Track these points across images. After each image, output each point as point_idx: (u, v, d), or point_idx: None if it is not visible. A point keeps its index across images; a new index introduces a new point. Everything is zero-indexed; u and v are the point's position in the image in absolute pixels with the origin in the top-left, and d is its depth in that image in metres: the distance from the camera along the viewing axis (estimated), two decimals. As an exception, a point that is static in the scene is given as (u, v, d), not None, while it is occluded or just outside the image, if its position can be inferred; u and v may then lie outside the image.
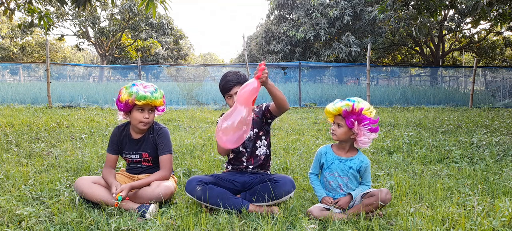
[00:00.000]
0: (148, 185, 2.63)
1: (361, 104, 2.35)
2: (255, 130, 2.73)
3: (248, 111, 2.27)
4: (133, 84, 2.67)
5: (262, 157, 2.74)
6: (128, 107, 2.67)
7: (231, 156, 2.77)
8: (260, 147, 2.74)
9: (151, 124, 2.78)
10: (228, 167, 2.84)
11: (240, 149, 2.72)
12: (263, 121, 2.74)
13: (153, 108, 2.72)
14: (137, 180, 2.81)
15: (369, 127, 2.36)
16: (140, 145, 2.79)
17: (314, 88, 14.14)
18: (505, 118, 8.43)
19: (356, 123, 2.35)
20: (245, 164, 2.74)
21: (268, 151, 2.78)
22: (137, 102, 2.61)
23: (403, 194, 2.88)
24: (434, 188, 3.02)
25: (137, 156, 2.79)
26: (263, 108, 2.73)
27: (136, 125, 2.71)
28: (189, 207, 2.52)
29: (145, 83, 2.72)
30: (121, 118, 2.79)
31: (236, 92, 2.56)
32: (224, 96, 2.75)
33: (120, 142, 2.82)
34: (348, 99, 2.39)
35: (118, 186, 2.51)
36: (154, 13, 4.80)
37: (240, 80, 2.65)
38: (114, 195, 2.43)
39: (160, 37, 32.89)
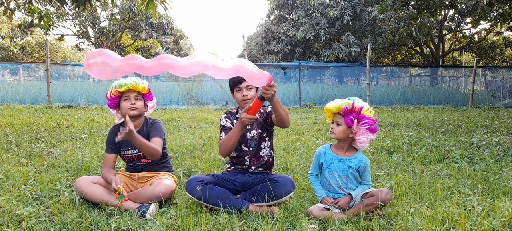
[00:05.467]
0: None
1: (361, 103, 2.39)
2: (259, 130, 2.73)
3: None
4: (115, 80, 2.73)
5: (266, 158, 2.75)
6: (116, 101, 2.78)
7: (233, 154, 2.76)
8: (264, 148, 2.75)
9: (141, 112, 2.80)
10: (230, 167, 2.82)
11: (243, 148, 2.72)
12: (267, 122, 2.75)
13: (138, 95, 2.77)
14: (137, 179, 2.83)
15: (368, 126, 2.38)
16: None
17: (314, 88, 14.13)
18: (505, 118, 8.43)
19: (355, 121, 2.37)
20: (247, 163, 2.73)
21: (271, 151, 2.79)
22: (119, 90, 2.70)
23: (403, 194, 2.88)
24: (434, 188, 3.02)
25: (136, 151, 2.81)
26: (267, 111, 2.75)
27: (126, 114, 2.74)
28: (189, 207, 2.52)
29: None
30: (117, 120, 2.88)
31: (247, 85, 2.61)
32: (233, 91, 2.73)
33: None
34: (348, 99, 2.41)
35: (117, 181, 2.50)
36: (154, 13, 4.81)
37: None
38: (115, 188, 2.44)
39: (160, 37, 32.86)
